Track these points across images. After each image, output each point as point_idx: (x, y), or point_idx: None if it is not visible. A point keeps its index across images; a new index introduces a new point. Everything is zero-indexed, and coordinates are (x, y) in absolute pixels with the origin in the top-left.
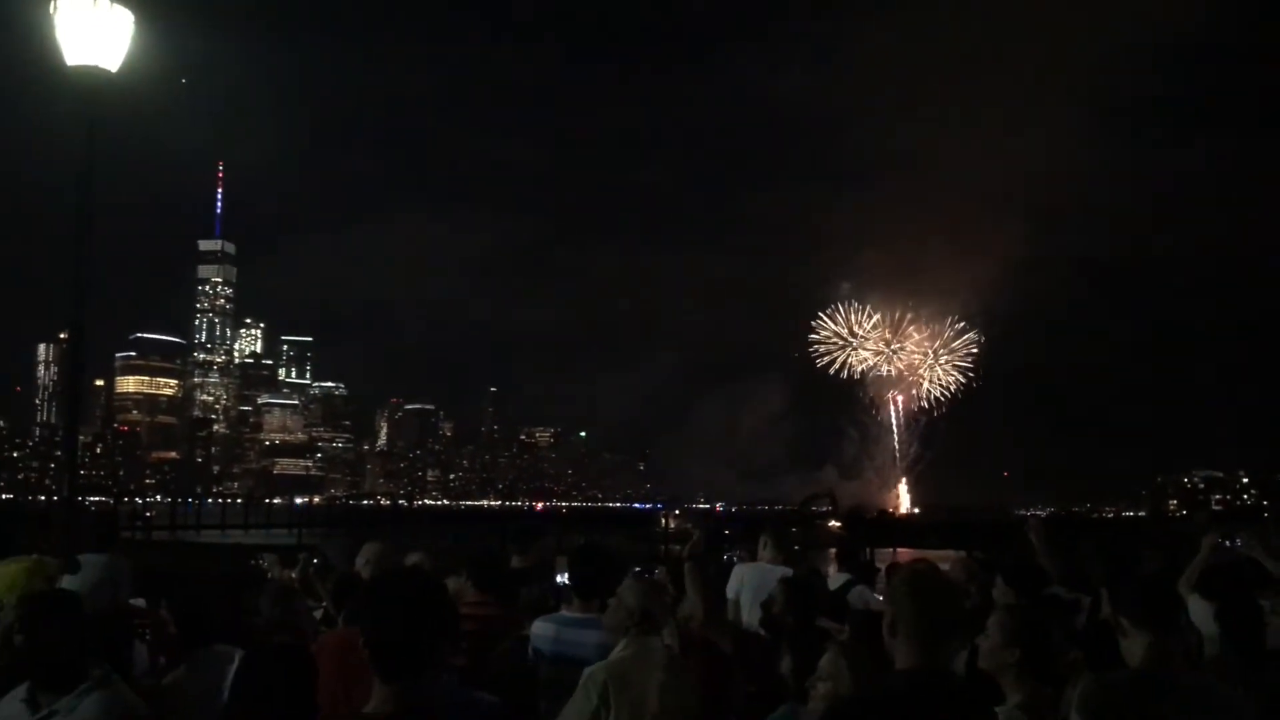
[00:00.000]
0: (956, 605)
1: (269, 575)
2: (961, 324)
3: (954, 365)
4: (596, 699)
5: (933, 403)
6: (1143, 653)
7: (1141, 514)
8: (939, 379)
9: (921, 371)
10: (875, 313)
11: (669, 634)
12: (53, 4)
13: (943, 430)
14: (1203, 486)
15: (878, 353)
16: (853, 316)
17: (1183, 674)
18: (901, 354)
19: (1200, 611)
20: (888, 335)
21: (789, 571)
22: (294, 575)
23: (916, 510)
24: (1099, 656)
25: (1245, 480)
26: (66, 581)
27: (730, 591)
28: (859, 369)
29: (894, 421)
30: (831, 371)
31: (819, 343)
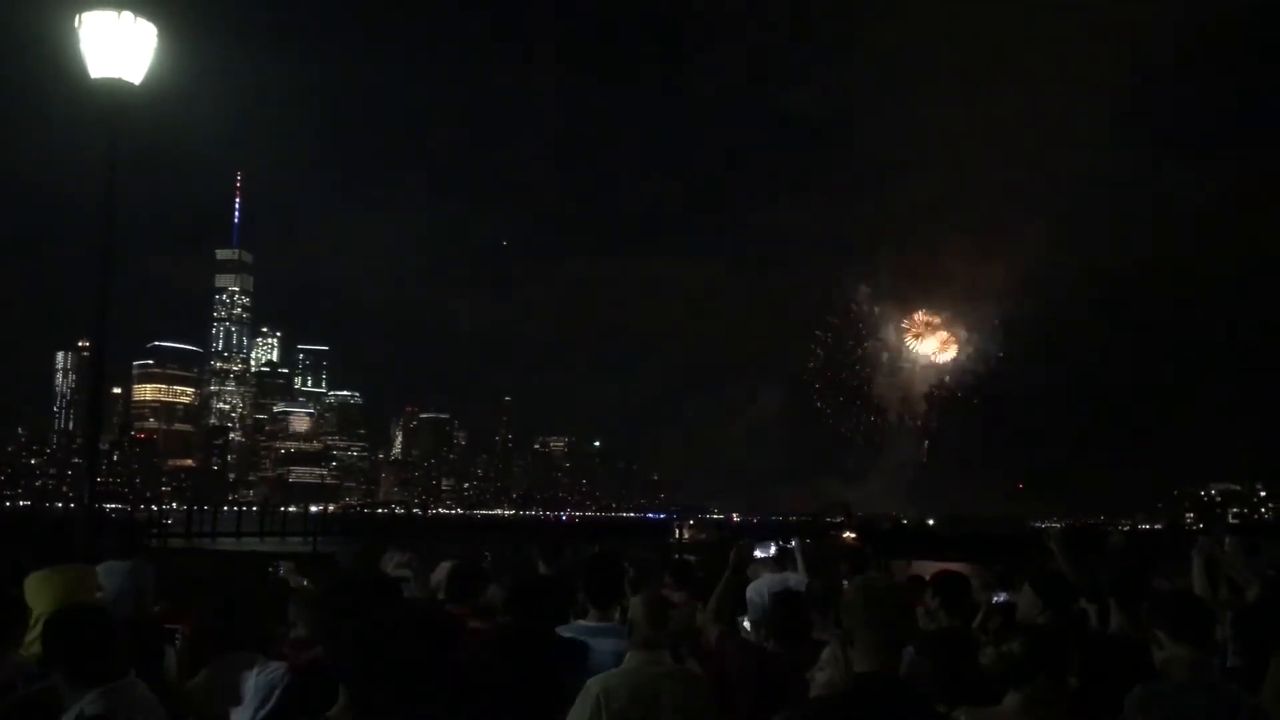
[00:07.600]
0: (906, 612)
1: (290, 584)
2: (975, 331)
3: (968, 366)
4: (590, 710)
5: (945, 405)
6: (1183, 664)
7: (1158, 526)
8: (954, 375)
9: (934, 363)
10: (890, 313)
11: (684, 646)
12: (77, 18)
13: (955, 438)
14: (1219, 500)
15: (892, 348)
16: (864, 313)
17: (1220, 684)
18: (915, 353)
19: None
20: (902, 333)
21: (804, 580)
22: (306, 583)
23: (930, 521)
24: (1106, 669)
25: (1263, 494)
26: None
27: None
28: (871, 366)
29: (903, 426)
30: (840, 373)
31: (828, 337)
